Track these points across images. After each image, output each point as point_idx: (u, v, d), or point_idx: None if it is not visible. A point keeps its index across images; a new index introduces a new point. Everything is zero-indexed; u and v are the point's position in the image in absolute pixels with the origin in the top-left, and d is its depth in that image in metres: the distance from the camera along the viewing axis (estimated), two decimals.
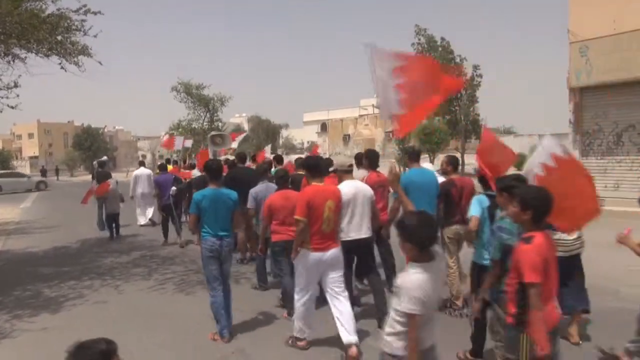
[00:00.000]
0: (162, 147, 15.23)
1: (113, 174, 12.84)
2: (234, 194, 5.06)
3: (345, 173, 5.02)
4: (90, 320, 5.53)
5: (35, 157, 73.24)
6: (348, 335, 4.26)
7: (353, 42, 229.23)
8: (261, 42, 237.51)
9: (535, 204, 2.84)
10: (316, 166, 4.64)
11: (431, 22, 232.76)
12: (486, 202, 4.26)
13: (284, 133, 63.22)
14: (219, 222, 4.85)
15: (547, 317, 2.74)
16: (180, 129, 32.26)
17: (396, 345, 2.61)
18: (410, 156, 5.79)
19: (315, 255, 4.35)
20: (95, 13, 8.16)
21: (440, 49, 27.47)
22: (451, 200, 5.42)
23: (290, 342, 4.66)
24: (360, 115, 54.39)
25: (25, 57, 8.36)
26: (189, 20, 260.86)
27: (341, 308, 4.41)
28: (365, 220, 4.85)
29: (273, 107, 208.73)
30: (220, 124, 34.94)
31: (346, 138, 51.60)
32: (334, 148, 49.78)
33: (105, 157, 16.60)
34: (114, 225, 10.99)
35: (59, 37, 8.21)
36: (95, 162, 14.06)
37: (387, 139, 44.89)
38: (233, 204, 4.98)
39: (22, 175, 32.51)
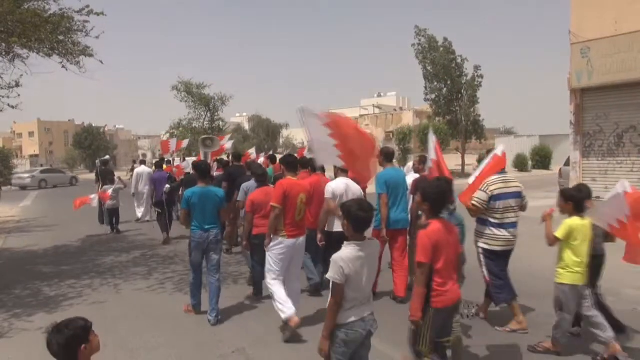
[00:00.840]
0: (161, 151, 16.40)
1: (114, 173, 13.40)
2: (220, 192, 5.66)
3: (340, 171, 5.72)
4: (90, 320, 5.51)
5: (36, 156, 73.20)
6: (293, 306, 4.80)
7: (354, 42, 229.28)
8: (262, 42, 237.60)
9: (432, 197, 3.30)
10: (292, 163, 5.34)
11: (432, 23, 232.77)
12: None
13: (285, 133, 63.19)
14: (206, 216, 5.36)
15: (448, 293, 3.23)
16: (180, 128, 32.26)
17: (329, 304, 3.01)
18: (386, 156, 6.19)
19: (289, 241, 4.91)
20: (98, 14, 8.12)
21: (441, 49, 27.42)
22: None
23: (285, 333, 4.79)
24: (361, 115, 54.36)
25: (27, 57, 8.36)
26: (190, 20, 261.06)
27: (295, 286, 5.16)
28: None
29: (274, 107, 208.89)
30: (221, 123, 34.93)
31: None
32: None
33: (107, 156, 17.32)
34: (114, 219, 11.57)
35: (61, 37, 8.19)
36: (98, 161, 14.66)
37: (387, 138, 44.87)
38: (219, 201, 5.50)
39: (61, 172, 37.42)
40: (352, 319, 2.90)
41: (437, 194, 3.30)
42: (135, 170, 13.53)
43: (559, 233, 4.10)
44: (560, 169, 16.13)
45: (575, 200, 4.16)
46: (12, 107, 8.77)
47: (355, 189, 5.73)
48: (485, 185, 4.86)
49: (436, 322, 3.21)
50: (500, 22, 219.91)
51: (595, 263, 4.34)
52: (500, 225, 4.88)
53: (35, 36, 7.60)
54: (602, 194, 11.56)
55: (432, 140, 5.56)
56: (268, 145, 50.61)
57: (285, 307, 4.76)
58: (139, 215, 13.38)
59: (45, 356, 2.24)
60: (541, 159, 35.77)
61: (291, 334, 4.73)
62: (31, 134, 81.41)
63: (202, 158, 12.10)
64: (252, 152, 16.77)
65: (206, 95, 32.95)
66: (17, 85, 8.51)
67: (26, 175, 31.80)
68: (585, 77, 11.81)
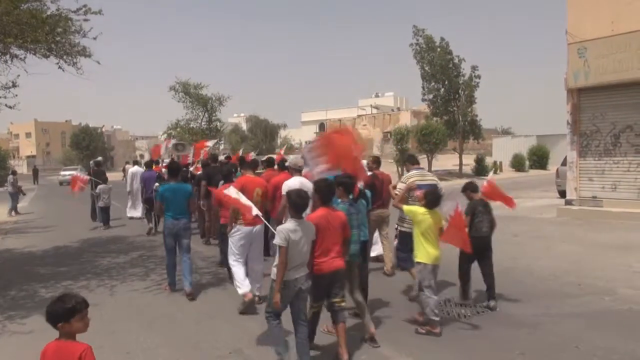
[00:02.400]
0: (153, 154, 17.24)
1: (111, 173, 14.44)
2: (188, 187, 6.84)
3: (295, 171, 6.46)
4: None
5: (33, 157, 73.04)
6: (252, 286, 5.65)
7: (352, 42, 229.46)
8: (260, 42, 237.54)
9: (322, 190, 4.22)
10: (246, 162, 6.87)
11: (430, 23, 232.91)
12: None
13: (282, 133, 63.16)
14: (177, 208, 6.38)
15: (325, 264, 4.09)
16: (178, 129, 32.24)
17: (274, 272, 3.90)
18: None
19: (246, 229, 5.63)
20: (95, 13, 8.06)
21: (438, 49, 27.45)
22: (375, 190, 6.48)
23: (240, 306, 5.58)
24: (359, 116, 54.41)
25: (25, 57, 8.30)
26: (188, 20, 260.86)
27: (256, 268, 5.93)
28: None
29: (271, 107, 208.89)
30: (218, 123, 34.91)
31: None
32: None
33: (100, 158, 19.61)
34: (105, 216, 12.81)
35: (58, 38, 8.14)
36: (92, 162, 15.74)
37: (385, 139, 44.91)
38: (188, 194, 6.55)
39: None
40: (289, 277, 3.85)
41: (326, 188, 4.25)
42: (130, 170, 14.31)
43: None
44: (558, 169, 16.16)
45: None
46: (10, 107, 8.73)
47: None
48: (405, 178, 6.07)
49: (317, 284, 4.13)
50: (497, 22, 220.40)
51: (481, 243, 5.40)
52: None
53: (32, 37, 7.55)
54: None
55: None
56: (266, 146, 50.57)
57: (242, 284, 5.54)
58: (131, 214, 14.06)
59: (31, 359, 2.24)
60: (538, 158, 35.86)
61: (244, 307, 5.54)
62: (28, 135, 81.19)
63: (175, 159, 13.74)
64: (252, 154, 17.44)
65: (204, 96, 32.94)
66: (14, 85, 8.47)
67: (67, 173, 35.08)
68: (582, 77, 11.82)
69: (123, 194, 14.67)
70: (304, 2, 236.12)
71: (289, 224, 3.91)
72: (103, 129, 72.39)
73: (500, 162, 34.28)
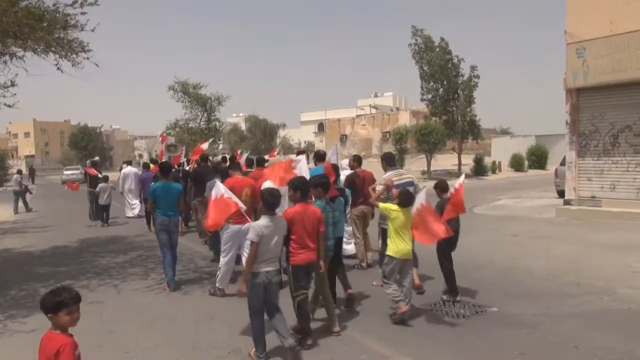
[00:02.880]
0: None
1: (110, 173, 14.89)
2: (179, 186, 7.15)
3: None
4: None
5: (32, 156, 72.93)
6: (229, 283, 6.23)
7: (351, 42, 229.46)
8: (259, 42, 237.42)
9: (299, 188, 4.60)
10: (235, 163, 7.25)
11: (429, 23, 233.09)
12: None
13: (281, 133, 63.15)
14: (168, 205, 6.73)
15: (301, 255, 4.49)
16: (177, 129, 32.21)
17: (244, 262, 4.41)
18: (317, 157, 7.60)
19: (235, 227, 5.99)
20: (91, 4, 7.98)
21: (437, 49, 27.43)
22: (356, 187, 7.03)
23: (211, 290, 6.24)
24: (358, 116, 54.35)
25: (23, 56, 8.29)
26: (188, 19, 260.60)
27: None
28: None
29: (271, 107, 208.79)
30: (217, 123, 34.86)
31: (343, 138, 51.58)
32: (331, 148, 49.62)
33: (97, 158, 20.06)
34: (104, 214, 13.22)
35: (56, 35, 8.11)
36: (88, 162, 16.03)
37: (384, 139, 44.90)
38: (178, 192, 6.90)
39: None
40: (259, 269, 4.15)
41: (303, 186, 4.66)
42: (122, 171, 14.77)
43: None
44: (556, 169, 16.17)
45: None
46: (9, 106, 8.73)
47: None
48: (386, 177, 6.35)
49: (295, 275, 4.53)
50: (496, 22, 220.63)
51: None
52: None
53: (31, 36, 7.53)
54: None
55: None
56: (265, 146, 50.57)
57: (222, 281, 6.14)
58: (129, 214, 14.40)
59: (32, 359, 2.24)
60: (537, 158, 35.89)
61: (213, 291, 6.23)
62: (27, 135, 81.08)
63: (165, 159, 14.17)
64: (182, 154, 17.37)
65: (202, 96, 32.89)
66: (13, 84, 8.46)
67: (69, 172, 39.53)
68: (581, 77, 11.84)
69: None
70: (304, 2, 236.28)
71: (262, 221, 4.23)
72: (102, 129, 72.28)
73: (499, 162, 34.30)
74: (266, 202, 4.30)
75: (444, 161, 33.32)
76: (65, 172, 40.12)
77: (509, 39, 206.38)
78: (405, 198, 5.21)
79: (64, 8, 7.89)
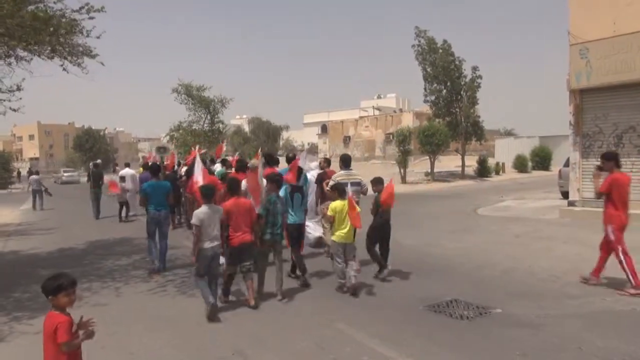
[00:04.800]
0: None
1: (114, 175, 16.05)
2: (167, 184, 8.42)
3: (252, 171, 7.35)
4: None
5: (36, 159, 73.28)
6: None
7: (354, 44, 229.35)
8: (262, 44, 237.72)
9: (231, 187, 6.01)
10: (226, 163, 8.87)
11: (432, 24, 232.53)
12: (288, 189, 6.74)
13: (285, 135, 63.13)
14: (158, 201, 7.89)
15: (236, 238, 5.76)
16: (180, 131, 32.29)
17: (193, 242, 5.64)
18: (344, 161, 7.86)
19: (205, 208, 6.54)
20: (98, 10, 7.98)
21: (440, 50, 27.43)
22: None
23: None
24: (361, 117, 54.33)
25: (31, 60, 8.31)
26: (191, 22, 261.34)
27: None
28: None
29: (274, 109, 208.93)
30: (221, 125, 34.90)
31: (346, 139, 51.58)
32: (335, 150, 49.70)
33: (99, 160, 21.94)
34: (122, 209, 14.39)
35: (62, 39, 8.13)
36: (91, 164, 17.13)
37: (387, 140, 44.86)
38: (167, 190, 8.14)
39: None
40: (204, 245, 5.52)
41: (234, 184, 6.04)
42: (120, 173, 15.18)
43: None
44: (560, 170, 16.14)
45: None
46: (14, 110, 8.75)
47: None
48: (334, 176, 7.24)
49: (231, 254, 5.81)
50: (499, 23, 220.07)
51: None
52: None
53: (37, 39, 7.56)
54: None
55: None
56: (268, 148, 50.58)
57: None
58: (131, 212, 14.82)
59: None
60: (541, 159, 35.80)
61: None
62: (31, 137, 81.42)
63: (158, 161, 15.01)
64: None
65: (206, 98, 32.93)
66: (19, 89, 8.48)
67: (67, 173, 43.47)
68: (584, 78, 11.81)
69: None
70: (307, 3, 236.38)
71: (202, 208, 5.60)
72: (106, 131, 72.53)
73: (503, 163, 34.23)
74: (203, 194, 5.72)
75: (448, 162, 33.28)
76: (65, 175, 43.48)
77: (511, 39, 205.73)
78: (340, 191, 6.28)
79: (71, 13, 7.91)
